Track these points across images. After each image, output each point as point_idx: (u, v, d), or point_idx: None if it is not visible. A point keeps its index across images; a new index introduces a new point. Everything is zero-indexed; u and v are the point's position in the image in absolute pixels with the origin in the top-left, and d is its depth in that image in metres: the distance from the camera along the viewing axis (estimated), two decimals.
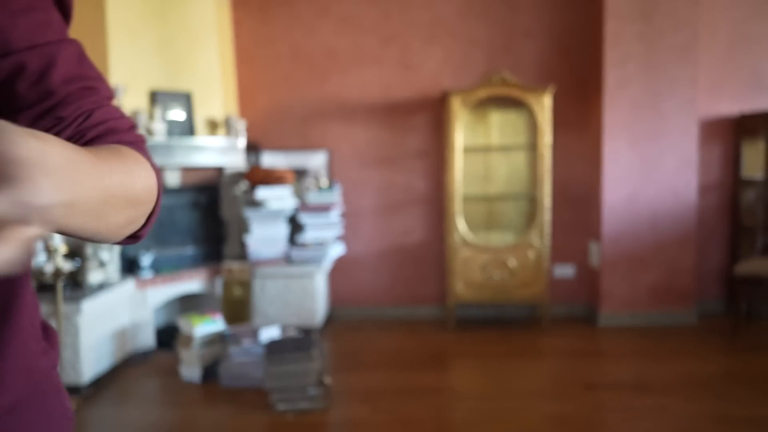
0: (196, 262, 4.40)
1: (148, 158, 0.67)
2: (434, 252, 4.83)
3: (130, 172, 0.58)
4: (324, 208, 4.35)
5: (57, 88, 0.61)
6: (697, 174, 4.50)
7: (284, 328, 3.81)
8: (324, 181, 4.45)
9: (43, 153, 0.40)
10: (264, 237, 4.28)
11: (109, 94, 0.68)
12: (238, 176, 4.45)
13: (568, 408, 3.12)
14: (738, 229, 4.68)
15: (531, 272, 4.46)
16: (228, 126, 4.29)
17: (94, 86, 0.65)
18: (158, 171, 0.67)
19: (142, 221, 0.65)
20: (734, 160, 4.70)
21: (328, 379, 3.30)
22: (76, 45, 0.65)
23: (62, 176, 0.42)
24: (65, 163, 0.43)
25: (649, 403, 3.14)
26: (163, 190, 0.72)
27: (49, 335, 0.72)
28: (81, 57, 0.66)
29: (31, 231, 0.39)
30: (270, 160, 4.75)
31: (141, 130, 3.84)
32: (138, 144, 0.68)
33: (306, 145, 4.80)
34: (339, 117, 4.78)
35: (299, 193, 4.50)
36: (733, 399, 3.18)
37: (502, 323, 4.66)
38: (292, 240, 4.38)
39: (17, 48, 0.59)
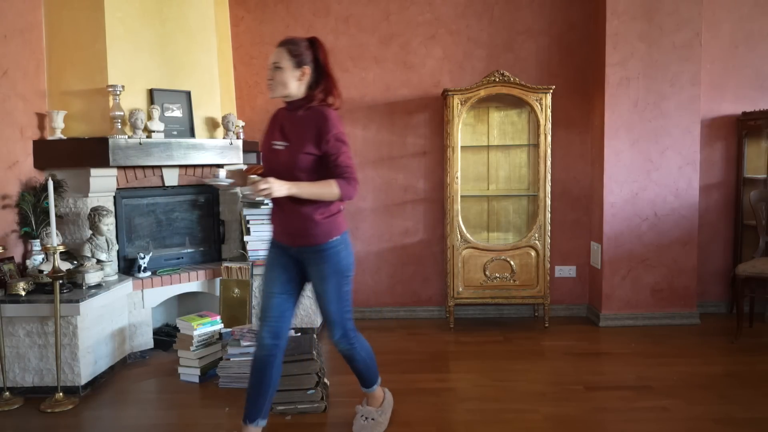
0: (194, 263, 4.38)
1: (341, 184, 2.44)
2: (434, 252, 4.81)
3: (322, 188, 2.44)
4: None
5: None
6: (700, 173, 4.47)
7: None
8: None
9: (278, 184, 2.34)
10: (263, 237, 4.25)
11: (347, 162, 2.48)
12: None
13: (568, 409, 3.10)
14: (741, 229, 4.65)
15: (532, 272, 4.43)
16: (227, 125, 4.27)
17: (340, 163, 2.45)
18: (345, 187, 2.45)
19: (332, 200, 2.49)
20: (737, 160, 4.68)
21: (327, 380, 3.28)
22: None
23: (284, 188, 2.36)
24: (286, 186, 2.37)
25: (650, 405, 3.12)
26: (351, 195, 2.48)
27: None
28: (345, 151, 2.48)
29: (274, 191, 2.33)
30: None
31: (138, 129, 3.83)
32: (340, 178, 2.45)
33: None
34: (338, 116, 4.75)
35: None
36: (735, 400, 3.16)
37: (502, 324, 4.64)
38: None
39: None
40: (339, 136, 2.47)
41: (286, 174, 2.44)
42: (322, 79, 2.54)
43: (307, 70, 2.50)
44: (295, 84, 2.50)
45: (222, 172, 2.59)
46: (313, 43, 2.55)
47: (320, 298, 2.62)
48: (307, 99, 2.52)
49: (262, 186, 2.31)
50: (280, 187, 2.34)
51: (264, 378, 2.59)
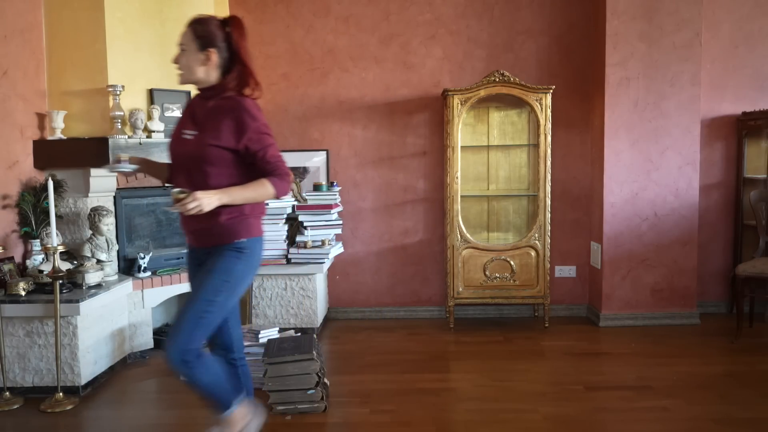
0: None
1: (275, 182, 2.20)
2: (434, 252, 4.80)
3: (255, 190, 2.20)
4: (324, 208, 4.33)
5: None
6: (700, 173, 4.47)
7: (283, 329, 3.79)
8: (323, 181, 4.42)
9: (207, 198, 2.10)
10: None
11: (274, 157, 2.24)
12: None
13: (568, 409, 3.10)
14: (741, 229, 4.65)
15: (532, 272, 4.43)
16: None
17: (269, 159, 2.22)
18: (279, 184, 2.21)
19: (266, 200, 2.28)
20: (737, 160, 4.68)
21: (327, 381, 3.28)
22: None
23: (215, 200, 2.12)
24: (217, 197, 2.13)
25: (650, 405, 3.12)
26: (286, 191, 2.25)
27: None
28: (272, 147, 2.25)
29: (204, 207, 2.10)
30: None
31: (138, 129, 3.84)
32: (272, 176, 2.21)
33: (305, 144, 4.78)
34: (338, 116, 4.76)
35: (298, 193, 4.48)
36: (735, 400, 3.15)
37: (502, 324, 4.64)
38: (292, 240, 4.36)
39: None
40: (261, 128, 2.20)
41: (193, 167, 2.21)
42: (235, 66, 2.24)
43: (213, 53, 2.21)
44: (201, 69, 2.23)
45: (126, 158, 2.36)
46: (227, 23, 2.24)
47: (190, 294, 2.28)
48: (220, 87, 2.25)
49: (192, 205, 2.06)
50: (210, 201, 2.10)
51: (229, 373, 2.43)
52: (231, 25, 2.24)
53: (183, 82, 2.29)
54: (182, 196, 2.10)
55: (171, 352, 2.18)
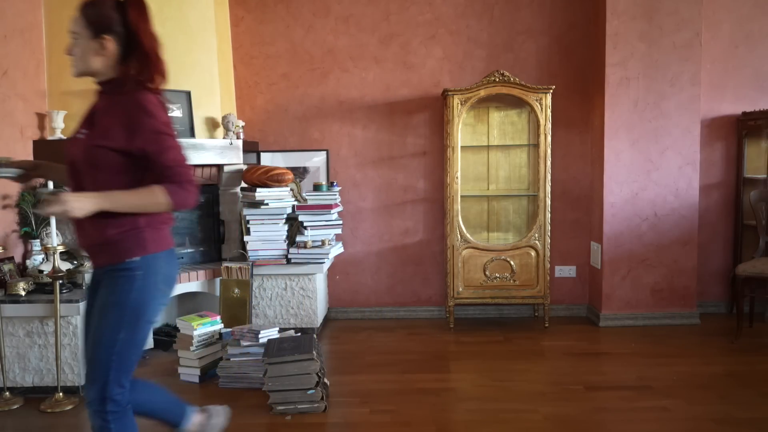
0: (194, 263, 4.37)
1: (171, 190, 1.88)
2: (434, 252, 4.80)
3: (143, 198, 1.87)
4: (323, 208, 4.33)
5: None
6: (700, 173, 4.47)
7: (283, 329, 3.79)
8: (323, 181, 4.42)
9: (78, 201, 1.79)
10: (263, 237, 4.25)
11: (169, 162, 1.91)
12: (237, 176, 4.43)
13: (568, 409, 3.10)
14: (741, 229, 4.65)
15: (532, 272, 4.43)
16: (227, 125, 4.26)
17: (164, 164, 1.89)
18: (176, 193, 1.89)
19: (156, 212, 1.95)
20: (737, 160, 4.68)
21: (327, 381, 3.28)
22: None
23: (88, 204, 1.81)
24: (91, 202, 1.82)
25: (650, 405, 3.12)
26: (187, 202, 1.93)
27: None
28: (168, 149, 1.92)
29: (73, 211, 1.78)
30: (269, 159, 4.73)
31: None
32: (168, 182, 1.88)
33: (305, 144, 4.78)
34: (338, 116, 4.76)
35: (298, 193, 4.48)
36: (735, 400, 3.15)
37: (502, 324, 4.64)
38: (292, 240, 4.36)
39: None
40: (158, 127, 1.89)
41: (81, 170, 1.94)
42: (134, 51, 1.94)
43: (109, 40, 1.91)
44: (97, 59, 1.93)
45: (4, 161, 2.15)
46: (122, 3, 1.93)
47: (92, 335, 1.97)
48: (119, 80, 1.95)
49: (55, 208, 1.78)
50: (82, 205, 1.80)
51: (148, 413, 2.23)
52: (128, 4, 1.93)
53: (78, 74, 1.98)
54: (49, 197, 1.81)
55: (88, 400, 1.96)
